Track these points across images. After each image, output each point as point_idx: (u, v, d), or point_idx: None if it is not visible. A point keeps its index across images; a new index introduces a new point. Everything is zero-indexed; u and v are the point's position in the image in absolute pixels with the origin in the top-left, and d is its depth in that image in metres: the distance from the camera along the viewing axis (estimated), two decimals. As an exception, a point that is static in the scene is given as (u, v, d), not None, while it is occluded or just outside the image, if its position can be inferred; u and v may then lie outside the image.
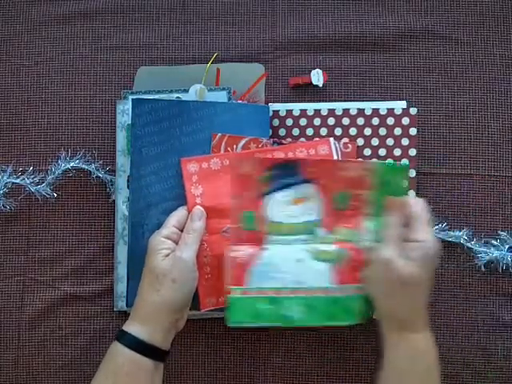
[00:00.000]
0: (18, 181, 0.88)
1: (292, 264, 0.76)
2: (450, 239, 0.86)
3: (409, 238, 0.72)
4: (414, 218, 0.72)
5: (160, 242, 0.76)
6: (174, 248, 0.76)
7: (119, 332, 0.75)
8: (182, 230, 0.78)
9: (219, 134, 0.83)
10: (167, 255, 0.76)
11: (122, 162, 0.86)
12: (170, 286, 0.74)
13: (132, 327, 0.74)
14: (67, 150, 0.89)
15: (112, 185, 0.87)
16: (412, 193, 0.84)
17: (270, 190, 0.77)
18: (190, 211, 0.80)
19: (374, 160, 0.83)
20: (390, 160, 0.83)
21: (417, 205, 0.74)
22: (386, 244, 0.72)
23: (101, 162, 0.88)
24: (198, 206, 0.80)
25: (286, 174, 0.77)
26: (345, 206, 0.77)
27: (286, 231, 0.77)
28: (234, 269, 0.76)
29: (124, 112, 0.86)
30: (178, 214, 0.79)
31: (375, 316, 0.77)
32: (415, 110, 0.85)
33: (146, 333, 0.74)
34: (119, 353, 0.73)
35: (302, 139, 0.86)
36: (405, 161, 0.84)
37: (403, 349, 0.72)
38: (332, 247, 0.76)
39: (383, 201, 0.76)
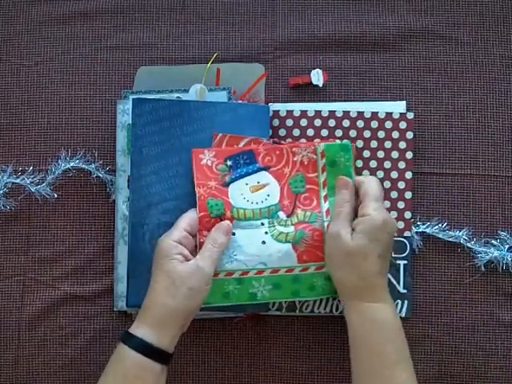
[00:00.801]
0: (17, 181, 0.88)
1: (257, 246, 0.80)
2: (450, 239, 0.86)
3: (359, 214, 0.77)
4: (364, 195, 0.77)
5: (173, 246, 0.76)
6: (186, 254, 0.76)
7: (126, 334, 0.74)
8: (191, 235, 0.78)
9: (220, 134, 0.83)
10: (182, 261, 0.75)
11: (122, 161, 0.86)
12: (185, 294, 0.74)
13: (140, 330, 0.74)
14: (67, 150, 0.89)
15: (112, 185, 0.87)
16: (366, 172, 0.85)
17: (231, 178, 0.81)
18: (200, 205, 0.80)
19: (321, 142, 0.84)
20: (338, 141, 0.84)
21: (368, 183, 0.78)
22: (335, 220, 0.78)
23: (101, 161, 0.88)
24: (228, 221, 0.80)
25: (244, 163, 0.82)
26: (301, 190, 0.81)
27: (249, 216, 0.81)
28: None
29: (124, 112, 0.86)
30: (189, 217, 0.79)
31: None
32: (412, 114, 0.85)
33: (154, 336, 0.73)
34: (127, 356, 0.73)
35: (303, 140, 0.86)
36: (401, 163, 0.85)
37: (357, 317, 0.76)
38: (292, 229, 0.80)
39: (335, 181, 0.80)
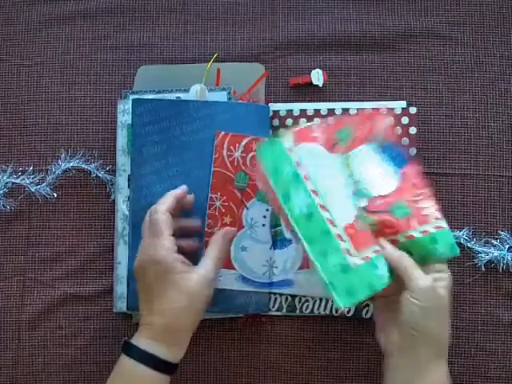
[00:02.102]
0: (17, 181, 0.88)
1: None
2: (450, 239, 0.86)
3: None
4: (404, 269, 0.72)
5: (174, 259, 0.73)
6: (184, 261, 0.74)
7: (129, 345, 0.72)
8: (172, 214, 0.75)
9: (222, 133, 0.83)
10: (188, 271, 0.73)
11: (123, 161, 0.86)
12: (197, 308, 0.73)
13: (146, 341, 0.72)
14: (67, 150, 0.89)
15: (112, 185, 0.87)
16: None
17: None
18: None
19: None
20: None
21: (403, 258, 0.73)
22: (417, 270, 0.71)
23: (101, 161, 0.88)
24: (229, 227, 0.80)
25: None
26: None
27: None
28: None
29: (124, 111, 0.86)
30: (165, 220, 0.74)
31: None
32: (414, 109, 0.85)
33: (160, 348, 0.71)
34: (131, 367, 0.71)
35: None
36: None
37: (440, 374, 0.72)
38: None
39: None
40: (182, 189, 0.79)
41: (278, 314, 0.85)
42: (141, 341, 0.72)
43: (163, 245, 0.73)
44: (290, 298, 0.84)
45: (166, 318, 0.72)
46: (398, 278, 0.72)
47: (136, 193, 0.82)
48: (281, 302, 0.84)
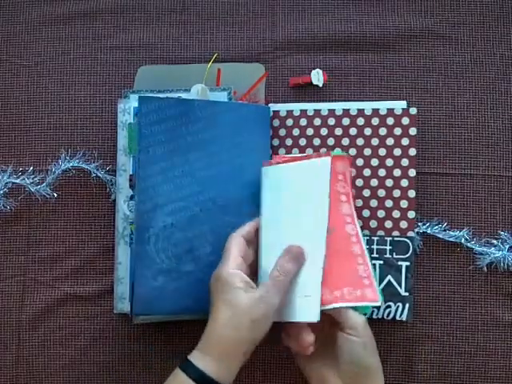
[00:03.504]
0: (18, 181, 0.87)
1: None
2: (450, 239, 0.86)
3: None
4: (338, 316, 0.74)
5: (235, 274, 0.72)
6: (249, 281, 0.73)
7: (186, 362, 0.71)
8: (244, 260, 0.75)
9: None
10: (246, 289, 0.71)
11: (123, 161, 0.86)
12: (248, 326, 0.71)
13: (202, 362, 0.71)
14: (67, 150, 0.88)
15: (112, 185, 0.87)
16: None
17: None
18: None
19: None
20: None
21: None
22: (349, 312, 0.74)
23: (101, 161, 0.88)
24: (299, 246, 0.75)
25: None
26: None
27: None
28: None
29: (125, 111, 0.86)
30: (238, 243, 0.76)
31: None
32: (415, 109, 0.85)
33: (215, 368, 0.70)
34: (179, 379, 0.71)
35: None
36: (404, 160, 0.85)
37: None
38: None
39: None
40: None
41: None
42: (193, 355, 0.72)
43: (227, 264, 0.73)
44: None
45: (210, 328, 0.72)
46: (324, 324, 0.74)
47: (142, 194, 0.81)
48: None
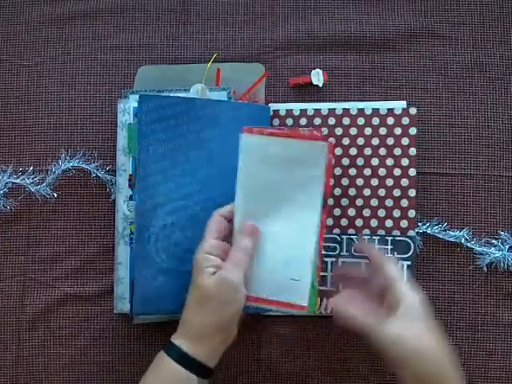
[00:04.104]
0: (18, 181, 0.87)
1: None
2: (450, 239, 0.86)
3: (392, 299, 0.72)
4: (390, 278, 0.73)
5: (203, 258, 0.73)
6: (220, 264, 0.73)
7: (168, 343, 0.73)
8: (224, 238, 0.75)
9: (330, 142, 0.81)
10: (213, 273, 0.72)
11: (123, 161, 0.85)
12: (215, 308, 0.72)
13: (179, 340, 0.72)
14: (67, 150, 0.88)
15: (112, 185, 0.87)
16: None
17: None
18: None
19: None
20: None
21: (389, 265, 0.75)
22: (374, 324, 0.72)
23: (101, 161, 0.88)
24: (250, 223, 0.75)
25: None
26: None
27: None
28: None
29: (125, 111, 0.86)
30: (215, 221, 0.75)
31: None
32: (415, 109, 0.85)
33: (190, 348, 0.72)
34: (165, 363, 0.72)
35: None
36: (404, 160, 0.85)
37: None
38: None
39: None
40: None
41: (278, 313, 0.85)
42: (173, 336, 0.74)
43: (202, 247, 0.74)
44: None
45: (184, 311, 0.73)
46: None
47: (142, 193, 0.81)
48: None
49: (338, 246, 0.83)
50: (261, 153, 0.76)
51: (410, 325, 0.70)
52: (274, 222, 0.76)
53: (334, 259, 0.83)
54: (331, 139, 0.85)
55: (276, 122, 0.87)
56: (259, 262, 0.75)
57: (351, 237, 0.83)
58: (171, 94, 0.86)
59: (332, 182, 0.84)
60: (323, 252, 0.81)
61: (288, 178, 0.75)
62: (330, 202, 0.85)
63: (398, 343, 0.70)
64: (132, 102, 0.86)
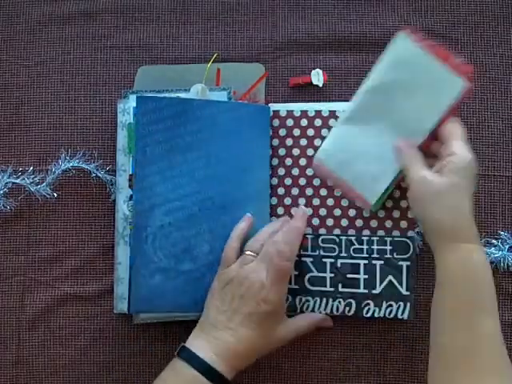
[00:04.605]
0: (18, 181, 0.87)
1: None
2: (450, 239, 0.86)
3: (444, 154, 0.75)
4: (448, 135, 0.76)
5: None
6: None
7: (184, 349, 0.75)
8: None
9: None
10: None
11: (123, 161, 0.86)
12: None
13: (209, 355, 0.74)
14: (67, 150, 0.88)
15: (112, 185, 0.87)
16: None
17: None
18: None
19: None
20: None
21: (452, 123, 0.77)
22: (415, 163, 0.76)
23: (101, 161, 0.88)
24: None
25: None
26: None
27: None
28: None
29: (125, 111, 0.86)
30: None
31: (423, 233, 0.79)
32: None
33: (221, 366, 0.74)
34: (183, 370, 0.74)
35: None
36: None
37: (454, 258, 0.72)
38: None
39: None
40: (246, 221, 0.83)
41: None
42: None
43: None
44: (290, 298, 0.83)
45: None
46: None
47: (139, 194, 0.81)
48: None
49: (336, 248, 0.83)
50: (404, 60, 0.79)
51: (446, 174, 0.73)
52: (380, 129, 0.80)
53: (332, 260, 0.83)
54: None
55: (276, 122, 0.87)
56: (356, 147, 0.81)
57: (350, 238, 0.83)
58: (170, 95, 0.86)
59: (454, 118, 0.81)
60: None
61: (412, 97, 0.79)
62: (330, 202, 0.85)
63: (425, 183, 0.74)
64: (132, 101, 0.86)
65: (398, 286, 0.82)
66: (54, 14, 0.92)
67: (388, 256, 0.82)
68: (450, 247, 0.72)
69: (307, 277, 0.83)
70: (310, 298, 0.84)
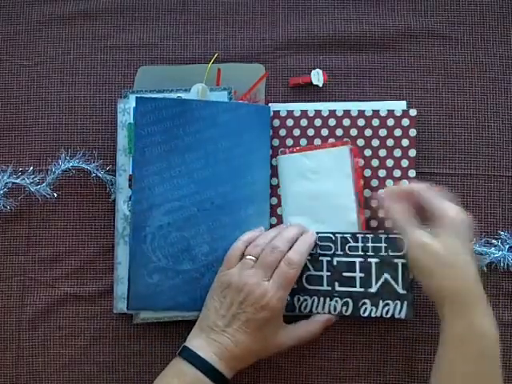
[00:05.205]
0: (18, 181, 0.87)
1: None
2: (450, 239, 0.86)
3: (436, 215, 0.74)
4: (426, 198, 0.75)
5: None
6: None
7: (185, 349, 0.76)
8: None
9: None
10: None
11: (123, 161, 0.86)
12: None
13: (211, 356, 0.75)
14: (67, 150, 0.88)
15: (112, 185, 0.87)
16: (405, 181, 0.85)
17: None
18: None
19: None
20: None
21: (422, 188, 0.77)
22: (411, 229, 0.75)
23: (101, 161, 0.88)
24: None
25: None
26: None
27: None
28: None
29: (125, 111, 0.86)
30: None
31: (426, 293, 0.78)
32: (415, 111, 0.85)
33: (223, 366, 0.75)
34: (186, 370, 0.75)
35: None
36: (404, 161, 0.85)
37: (462, 324, 0.71)
38: None
39: None
40: (258, 230, 0.84)
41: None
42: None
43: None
44: (288, 298, 0.83)
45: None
46: None
47: (138, 194, 0.82)
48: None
49: (332, 246, 0.83)
50: (296, 168, 0.86)
51: (444, 238, 0.72)
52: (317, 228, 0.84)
53: (329, 258, 0.83)
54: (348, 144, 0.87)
55: (276, 122, 0.87)
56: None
57: (345, 235, 0.83)
58: (171, 95, 0.86)
59: (362, 182, 0.85)
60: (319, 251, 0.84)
61: (323, 185, 0.85)
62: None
63: (425, 249, 0.73)
64: (132, 101, 0.86)
65: (394, 285, 0.82)
66: (54, 14, 0.92)
67: (383, 254, 0.82)
68: (456, 312, 0.71)
69: (305, 276, 0.83)
70: (307, 298, 0.83)
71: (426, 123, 0.88)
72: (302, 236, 0.81)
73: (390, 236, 0.81)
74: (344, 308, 0.82)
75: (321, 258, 0.83)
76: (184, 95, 0.86)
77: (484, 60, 0.89)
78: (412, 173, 0.85)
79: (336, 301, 0.83)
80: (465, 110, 0.89)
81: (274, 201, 0.86)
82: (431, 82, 0.89)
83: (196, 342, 0.76)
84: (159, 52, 0.91)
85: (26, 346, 0.87)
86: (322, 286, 0.83)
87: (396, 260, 0.81)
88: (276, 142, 0.87)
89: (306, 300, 0.84)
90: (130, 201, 0.84)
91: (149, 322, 0.85)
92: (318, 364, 0.86)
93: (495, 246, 0.86)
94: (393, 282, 0.82)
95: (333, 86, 0.90)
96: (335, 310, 0.83)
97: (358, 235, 0.82)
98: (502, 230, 0.86)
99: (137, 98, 0.82)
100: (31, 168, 0.88)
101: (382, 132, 0.85)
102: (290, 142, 0.86)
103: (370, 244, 0.82)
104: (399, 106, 0.86)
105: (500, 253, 0.85)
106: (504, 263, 0.85)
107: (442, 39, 0.90)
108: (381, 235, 0.82)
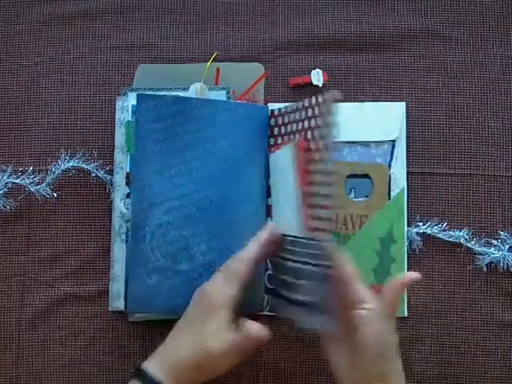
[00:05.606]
0: (17, 181, 0.87)
1: None
2: (450, 239, 0.86)
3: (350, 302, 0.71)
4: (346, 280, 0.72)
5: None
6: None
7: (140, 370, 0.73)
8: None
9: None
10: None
11: (120, 159, 0.85)
12: None
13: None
14: (67, 150, 0.88)
15: (112, 184, 0.87)
16: None
17: None
18: None
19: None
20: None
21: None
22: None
23: (100, 161, 0.88)
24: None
25: None
26: None
27: None
28: None
29: (123, 108, 0.86)
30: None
31: None
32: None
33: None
34: None
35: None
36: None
37: None
38: None
39: None
40: (268, 230, 0.78)
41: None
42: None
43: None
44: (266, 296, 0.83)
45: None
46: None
47: (138, 193, 0.81)
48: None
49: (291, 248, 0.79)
50: (279, 165, 0.83)
51: (373, 325, 0.70)
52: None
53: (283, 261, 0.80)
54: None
55: (273, 122, 0.86)
56: None
57: (299, 239, 0.78)
58: (169, 93, 0.86)
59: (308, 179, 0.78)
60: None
61: (279, 184, 0.83)
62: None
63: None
64: (131, 99, 0.85)
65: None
66: (54, 14, 0.92)
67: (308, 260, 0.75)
68: None
69: (267, 275, 0.83)
70: (271, 297, 0.83)
71: (426, 123, 0.88)
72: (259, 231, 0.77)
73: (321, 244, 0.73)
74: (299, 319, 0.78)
75: (280, 260, 0.80)
76: (182, 94, 0.86)
77: (484, 60, 0.89)
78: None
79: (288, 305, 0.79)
80: (465, 110, 0.89)
81: (271, 200, 0.86)
82: (431, 82, 0.89)
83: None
84: (159, 52, 0.91)
85: (26, 346, 0.87)
86: (281, 288, 0.81)
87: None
88: (272, 142, 0.86)
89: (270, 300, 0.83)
90: (128, 198, 0.84)
91: (146, 320, 0.85)
92: (318, 364, 0.86)
93: (495, 246, 0.86)
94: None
95: (333, 86, 0.90)
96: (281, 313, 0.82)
97: (300, 240, 0.77)
98: (502, 230, 0.86)
99: (137, 95, 0.81)
100: (31, 168, 0.88)
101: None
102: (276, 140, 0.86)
103: (309, 250, 0.75)
104: (399, 106, 0.86)
105: (500, 253, 0.85)
106: (504, 263, 0.85)
107: (441, 39, 0.90)
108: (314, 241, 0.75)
